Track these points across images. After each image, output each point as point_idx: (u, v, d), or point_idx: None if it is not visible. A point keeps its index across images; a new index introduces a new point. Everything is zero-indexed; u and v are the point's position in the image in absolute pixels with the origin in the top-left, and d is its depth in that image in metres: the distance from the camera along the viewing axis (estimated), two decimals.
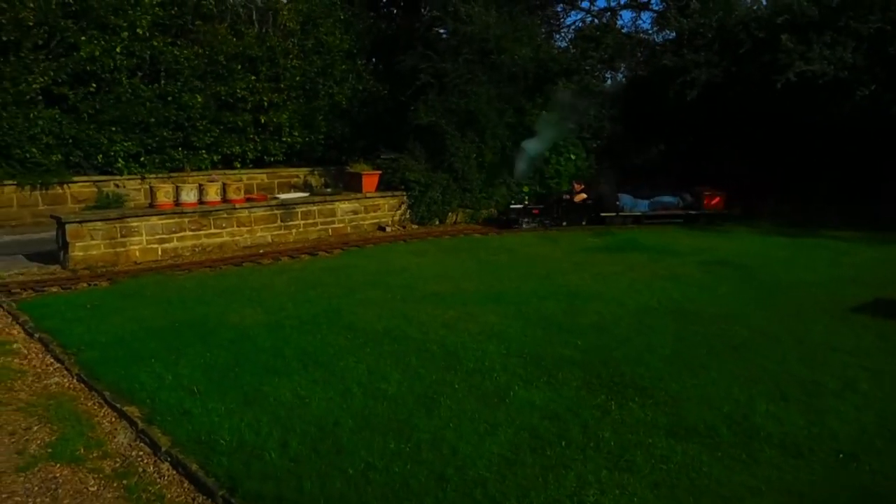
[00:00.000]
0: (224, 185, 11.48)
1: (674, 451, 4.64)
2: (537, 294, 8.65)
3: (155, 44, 14.23)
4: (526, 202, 13.56)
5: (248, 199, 11.78)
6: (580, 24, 18.89)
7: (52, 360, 6.35)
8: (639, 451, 4.63)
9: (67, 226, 9.54)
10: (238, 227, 11.22)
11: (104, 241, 9.72)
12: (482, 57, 14.57)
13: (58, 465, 4.54)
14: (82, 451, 4.73)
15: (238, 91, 15.02)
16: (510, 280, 9.44)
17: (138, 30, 14.02)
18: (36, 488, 4.29)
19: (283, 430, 4.86)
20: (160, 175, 13.89)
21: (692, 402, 5.37)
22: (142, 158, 13.95)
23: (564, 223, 13.38)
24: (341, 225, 12.66)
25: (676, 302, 8.29)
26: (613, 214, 13.35)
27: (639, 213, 13.48)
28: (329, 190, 14.25)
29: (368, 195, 13.06)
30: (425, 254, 11.33)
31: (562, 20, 19.88)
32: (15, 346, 6.73)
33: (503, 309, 7.92)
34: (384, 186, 13.70)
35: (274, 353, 6.37)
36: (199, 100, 14.43)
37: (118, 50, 13.79)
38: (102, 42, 13.62)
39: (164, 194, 10.71)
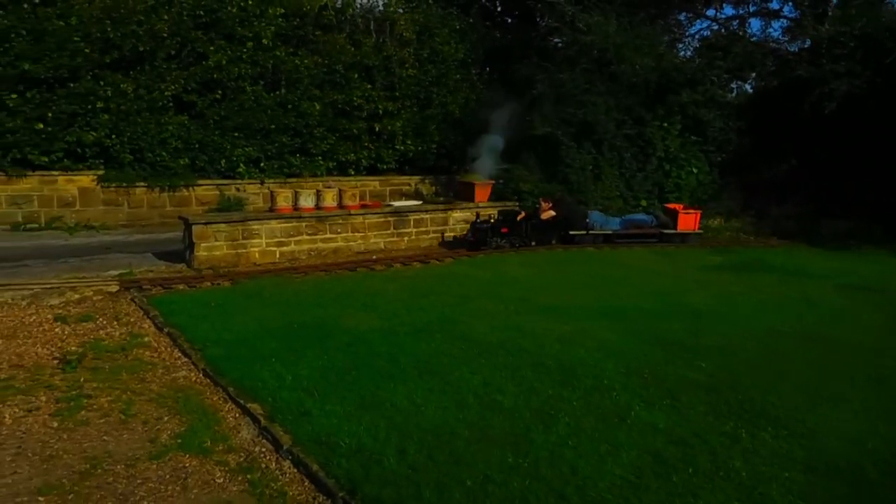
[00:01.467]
0: (340, 191, 11.86)
1: (814, 487, 4.38)
2: (656, 312, 8.41)
3: (277, 53, 14.94)
4: (492, 220, 12.33)
5: (362, 206, 12.12)
6: (706, 33, 18.33)
7: (179, 355, 6.73)
8: (774, 485, 4.40)
9: (194, 227, 10.13)
10: (352, 232, 11.57)
11: (226, 243, 10.25)
12: (600, 67, 14.39)
13: (187, 456, 4.79)
14: (209, 443, 4.97)
15: (354, 99, 15.52)
16: (627, 296, 9.22)
17: (263, 40, 14.77)
18: (167, 476, 4.55)
19: (401, 436, 4.94)
20: (277, 180, 14.53)
21: (831, 437, 5.05)
22: (261, 164, 14.65)
23: (533, 242, 12.45)
24: (453, 233, 12.79)
25: (811, 327, 7.83)
26: (583, 233, 12.63)
27: (609, 232, 12.80)
28: (441, 199, 14.44)
29: (480, 205, 13.13)
30: (538, 265, 11.26)
31: (685, 29, 19.37)
32: (146, 339, 7.19)
33: (621, 325, 7.74)
34: (496, 197, 13.74)
35: (389, 359, 6.49)
36: (318, 108, 15.01)
37: (243, 59, 14.59)
38: (229, 52, 14.44)
39: (284, 199, 11.19)
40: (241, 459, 4.79)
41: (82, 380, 6.03)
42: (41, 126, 12.77)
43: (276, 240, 10.66)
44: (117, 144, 13.44)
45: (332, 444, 4.80)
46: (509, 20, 20.79)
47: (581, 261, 11.91)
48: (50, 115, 12.83)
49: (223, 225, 10.29)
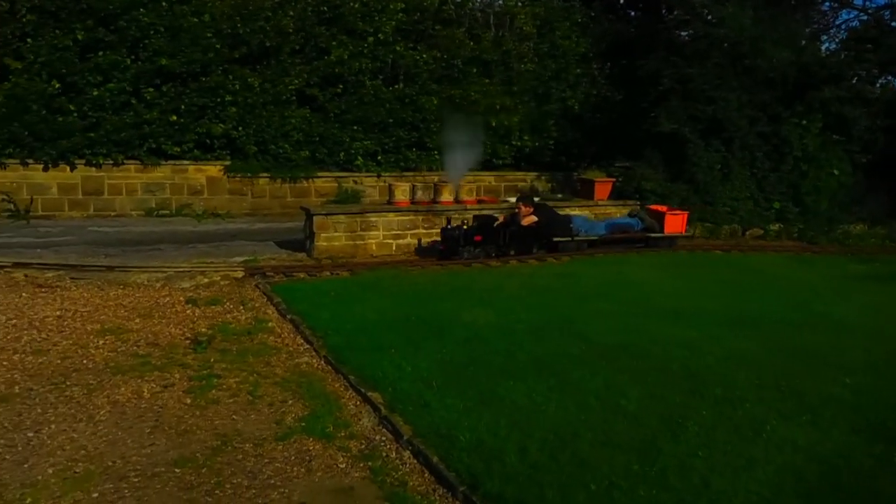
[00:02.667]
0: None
1: None
2: (792, 321, 7.96)
3: (397, 48, 15.26)
4: (465, 227, 10.79)
5: (478, 201, 12.18)
6: (854, 24, 17.15)
7: (302, 341, 6.98)
8: None
9: (315, 217, 10.50)
10: None
11: (345, 234, 10.56)
12: (733, 61, 13.77)
13: (310, 440, 4.95)
14: (331, 428, 5.12)
15: (472, 94, 15.60)
16: (759, 303, 8.78)
17: (383, 35, 15.12)
18: (292, 458, 4.72)
19: (522, 434, 4.91)
20: (394, 173, 14.84)
21: None
22: (378, 157, 15.01)
23: (512, 251, 11.06)
24: None
25: None
26: (568, 239, 11.50)
27: (595, 237, 11.83)
28: (560, 196, 14.29)
29: (600, 203, 12.89)
30: (660, 267, 10.92)
31: (830, 20, 18.21)
32: (270, 324, 7.50)
33: (752, 334, 7.39)
34: (616, 195, 13.46)
35: (507, 356, 6.48)
36: (435, 102, 15.19)
37: (364, 54, 14.99)
38: (350, 47, 14.88)
39: (402, 192, 11.41)
40: (363, 447, 4.90)
41: (212, 360, 6.37)
42: (174, 118, 13.62)
43: (393, 232, 10.88)
44: (243, 136, 14.14)
45: (452, 438, 4.83)
46: (633, 13, 20.27)
47: (706, 264, 11.48)
48: (183, 107, 13.67)
49: (342, 216, 10.61)
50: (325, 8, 14.93)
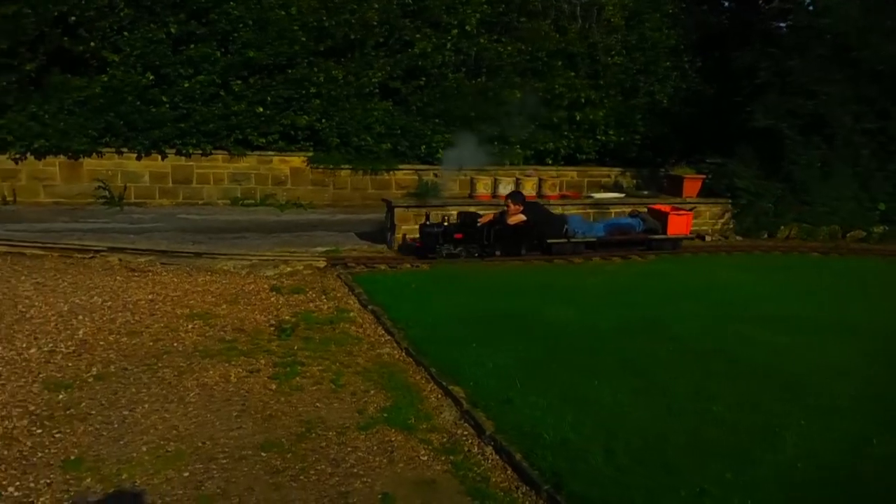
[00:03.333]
0: (540, 180, 11.85)
1: None
2: None
3: (481, 41, 15.21)
4: (446, 223, 10.29)
5: (562, 196, 12.02)
6: None
7: (383, 332, 7.06)
8: None
9: (396, 209, 10.60)
10: None
11: None
12: (837, 53, 13.10)
13: (392, 430, 5.00)
14: (413, 420, 5.15)
15: (556, 87, 15.42)
16: (859, 310, 8.35)
17: (467, 27, 15.10)
18: (375, 447, 4.77)
19: (607, 435, 4.82)
20: (474, 167, 14.80)
21: None
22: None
23: (498, 252, 10.38)
24: None
25: None
26: (563, 241, 10.73)
27: (593, 239, 10.99)
28: (646, 192, 13.96)
29: (688, 200, 12.51)
30: (751, 269, 10.53)
31: None
32: (351, 314, 7.62)
33: (852, 342, 7.06)
34: (705, 192, 13.03)
35: (591, 355, 6.38)
36: (518, 95, 15.09)
37: (447, 47, 15.01)
38: (434, 39, 14.92)
39: (483, 186, 11.40)
40: (444, 440, 4.91)
41: (296, 348, 6.51)
42: (261, 109, 13.98)
43: None
44: (326, 128, 14.38)
45: (535, 436, 4.79)
46: (726, 3, 19.60)
47: (802, 267, 11.00)
48: (269, 99, 14.01)
49: (423, 209, 10.65)
50: (410, 1, 15.02)
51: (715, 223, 12.99)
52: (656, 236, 11.36)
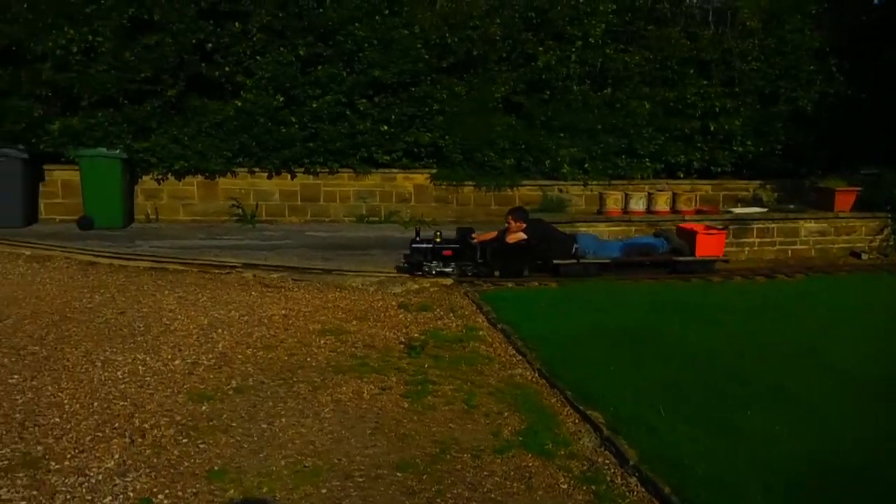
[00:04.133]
0: (674, 194, 11.42)
1: None
2: None
3: (607, 51, 14.92)
4: (437, 240, 9.78)
5: (697, 211, 11.53)
6: None
7: (514, 352, 6.93)
8: None
9: None
10: None
11: None
12: None
13: (529, 455, 4.85)
14: (550, 446, 4.98)
15: (688, 97, 14.87)
16: None
17: (591, 38, 14.86)
18: (511, 472, 4.64)
19: (765, 470, 4.47)
20: (601, 181, 14.49)
21: None
22: (585, 165, 14.73)
23: (497, 273, 9.80)
24: (804, 247, 11.56)
25: None
26: (572, 262, 9.96)
27: (607, 260, 10.05)
28: (791, 206, 13.16)
29: (841, 215, 11.67)
30: None
31: None
32: (481, 332, 7.55)
33: None
34: (860, 206, 12.11)
35: (740, 383, 5.99)
36: (647, 106, 14.67)
37: (572, 59, 14.82)
38: (557, 52, 14.76)
39: (614, 201, 11.12)
40: (585, 468, 4.71)
41: (426, 366, 6.50)
42: (385, 128, 14.28)
43: None
44: (449, 145, 14.50)
45: (684, 468, 4.50)
46: (876, 0, 18.28)
47: None
48: (393, 117, 14.30)
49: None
50: (533, 14, 14.96)
51: (872, 240, 12.04)
52: (683, 258, 10.35)
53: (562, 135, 14.73)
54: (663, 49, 15.07)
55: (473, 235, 9.97)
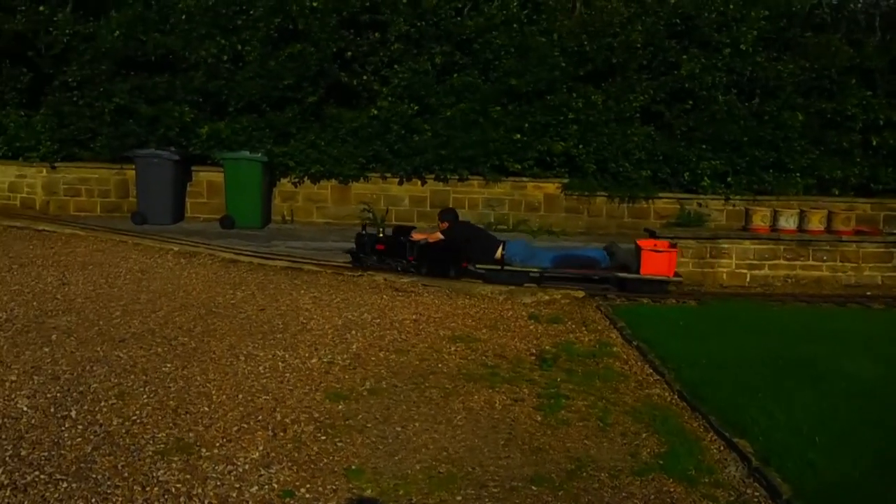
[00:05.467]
0: (830, 213, 10.75)
1: None
2: None
3: (758, 59, 14.28)
4: (381, 233, 10.32)
5: (856, 232, 10.79)
6: None
7: (650, 371, 6.74)
8: None
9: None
10: (841, 261, 10.38)
11: (692, 260, 10.09)
12: None
13: (670, 480, 4.69)
14: (693, 472, 4.79)
15: (848, 108, 13.96)
16: None
17: (742, 46, 14.27)
18: (652, 496, 4.50)
19: None
20: (745, 196, 13.86)
21: None
22: (728, 178, 14.14)
23: (424, 270, 9.95)
24: None
25: None
26: (497, 268, 9.78)
27: (536, 271, 9.69)
28: None
29: None
30: None
31: None
32: (614, 349, 7.39)
33: None
34: None
35: None
36: (801, 118, 13.90)
37: (718, 67, 14.28)
38: (702, 60, 14.27)
39: (761, 218, 10.60)
40: (732, 499, 4.50)
41: (559, 380, 6.42)
42: (518, 136, 14.28)
43: (748, 262, 10.12)
44: (583, 154, 14.30)
45: None
46: None
47: None
48: (526, 125, 14.28)
49: (691, 241, 10.17)
50: (678, 20, 14.55)
51: None
52: (628, 275, 9.79)
53: (703, 146, 14.20)
54: (821, 57, 14.24)
55: (412, 234, 10.42)
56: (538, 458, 4.92)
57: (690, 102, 14.37)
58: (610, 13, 14.69)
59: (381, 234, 10.46)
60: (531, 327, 8.07)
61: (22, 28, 13.99)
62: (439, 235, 10.35)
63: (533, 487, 4.51)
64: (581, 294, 9.43)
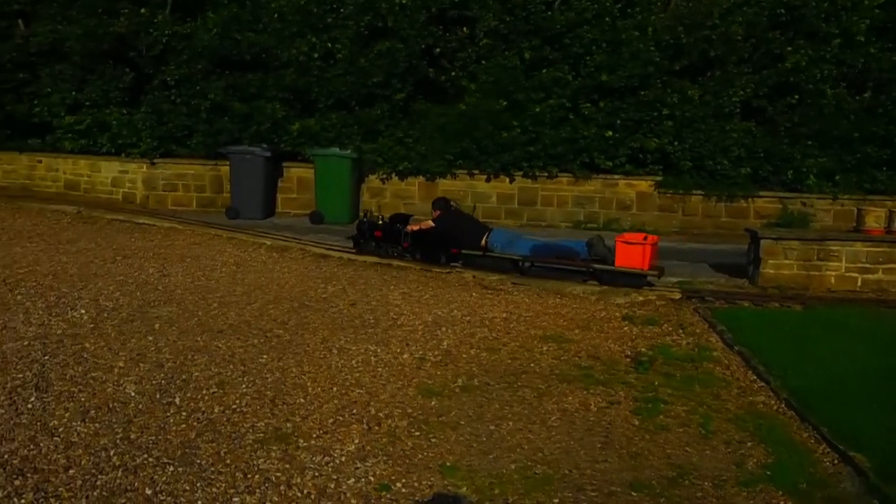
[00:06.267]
0: None
1: None
2: None
3: (871, 50, 13.60)
4: (380, 221, 11.03)
5: None
6: None
7: (754, 378, 6.50)
8: None
9: (762, 241, 9.79)
10: None
11: (797, 262, 9.64)
12: None
13: (780, 493, 4.51)
14: (805, 485, 4.60)
15: None
16: None
17: (856, 36, 13.62)
18: None
19: None
20: (855, 196, 13.22)
21: None
22: (836, 177, 13.52)
23: (417, 256, 10.62)
24: None
25: None
26: (479, 254, 10.21)
27: (517, 258, 9.98)
28: None
29: None
30: None
31: None
32: (714, 353, 7.16)
33: None
34: None
35: None
36: None
37: (826, 59, 13.69)
38: (809, 51, 13.71)
39: (875, 219, 10.07)
40: None
41: (656, 383, 6.27)
42: (609, 133, 14.04)
43: (860, 265, 9.58)
44: (678, 151, 13.95)
45: None
46: None
47: None
48: (618, 122, 14.03)
49: (795, 242, 9.72)
50: (782, 10, 14.00)
51: None
52: (603, 266, 9.68)
53: (809, 143, 13.64)
54: None
55: (409, 226, 10.83)
56: (637, 464, 4.82)
57: (796, 96, 13.82)
58: (708, 4, 14.28)
59: (379, 222, 11.06)
60: (625, 328, 7.91)
61: (124, 30, 14.68)
62: (429, 223, 10.80)
63: (632, 493, 4.42)
64: (677, 295, 9.19)
